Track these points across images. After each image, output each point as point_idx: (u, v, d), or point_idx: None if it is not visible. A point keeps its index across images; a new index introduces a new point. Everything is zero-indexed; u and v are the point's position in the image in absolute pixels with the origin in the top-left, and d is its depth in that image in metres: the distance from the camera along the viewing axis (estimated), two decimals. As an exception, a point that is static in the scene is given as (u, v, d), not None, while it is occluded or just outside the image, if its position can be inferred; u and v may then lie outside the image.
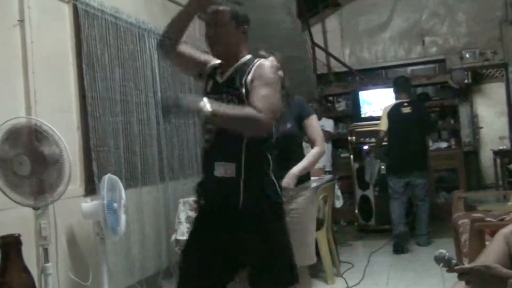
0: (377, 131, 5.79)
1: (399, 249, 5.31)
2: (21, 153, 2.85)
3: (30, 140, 2.89)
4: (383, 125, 5.69)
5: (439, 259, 1.89)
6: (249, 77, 2.20)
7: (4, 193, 2.81)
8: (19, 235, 2.84)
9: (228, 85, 2.25)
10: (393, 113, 5.63)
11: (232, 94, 2.21)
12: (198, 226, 2.33)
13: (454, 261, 1.84)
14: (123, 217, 3.41)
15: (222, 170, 2.17)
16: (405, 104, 5.66)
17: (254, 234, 2.17)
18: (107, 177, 3.32)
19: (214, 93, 2.24)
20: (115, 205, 3.30)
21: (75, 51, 3.69)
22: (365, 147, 6.59)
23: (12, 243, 2.82)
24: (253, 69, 2.22)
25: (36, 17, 3.32)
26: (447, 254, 1.88)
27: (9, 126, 2.84)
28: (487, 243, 2.73)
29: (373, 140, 6.37)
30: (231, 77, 2.26)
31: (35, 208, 2.97)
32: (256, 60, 2.26)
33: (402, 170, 5.56)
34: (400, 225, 5.44)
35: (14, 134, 2.85)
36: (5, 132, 2.82)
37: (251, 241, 2.19)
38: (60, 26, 3.61)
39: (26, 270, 2.87)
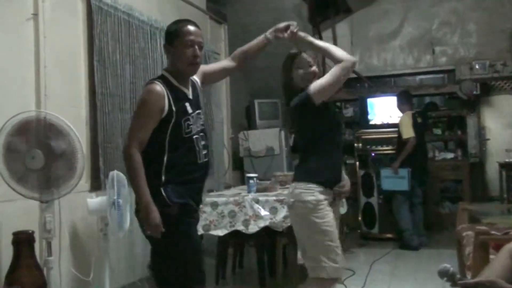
0: (407, 139, 5.85)
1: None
2: (33, 146, 2.86)
3: (44, 133, 2.90)
4: (412, 132, 5.84)
5: (442, 274, 1.88)
6: (199, 87, 2.62)
7: (9, 185, 2.81)
8: (32, 232, 2.83)
9: (197, 102, 2.58)
10: (414, 122, 5.90)
11: (200, 108, 2.60)
12: None
13: (458, 276, 1.84)
14: (128, 214, 3.41)
15: None
16: (417, 114, 6.03)
17: None
18: (114, 173, 3.33)
19: (193, 112, 2.53)
20: (121, 201, 3.30)
21: (87, 47, 3.71)
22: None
23: (25, 240, 2.81)
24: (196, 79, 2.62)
25: (50, 11, 3.34)
26: (451, 268, 1.88)
27: (20, 119, 2.86)
28: (491, 256, 2.72)
29: (379, 147, 6.44)
30: (194, 93, 2.57)
31: (42, 201, 2.98)
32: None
33: (424, 175, 6.05)
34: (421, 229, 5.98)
35: (26, 127, 2.86)
36: (17, 125, 2.83)
37: None
38: (73, 21, 3.63)
39: (38, 267, 2.86)
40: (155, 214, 2.33)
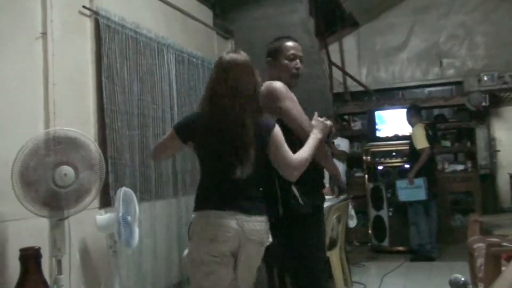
0: (422, 149, 5.95)
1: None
2: (61, 163, 2.90)
3: (69, 150, 2.96)
4: (426, 143, 5.95)
5: (454, 284, 1.87)
6: None
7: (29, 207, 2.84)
8: (39, 248, 2.83)
9: None
10: (426, 133, 6.02)
11: None
12: None
13: (470, 286, 1.82)
14: (136, 231, 3.41)
15: None
16: (427, 127, 6.16)
17: None
18: (122, 190, 3.34)
19: None
20: (129, 218, 3.31)
21: (95, 65, 3.74)
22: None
23: (32, 256, 2.81)
24: None
25: (58, 30, 3.38)
26: (462, 279, 1.86)
27: (38, 137, 2.89)
28: (503, 268, 2.69)
29: (388, 160, 6.47)
30: None
31: (62, 219, 3.02)
32: None
33: (435, 187, 6.18)
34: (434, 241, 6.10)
35: (46, 144, 2.90)
36: (34, 144, 2.86)
37: None
38: (81, 39, 3.67)
39: (45, 283, 2.85)
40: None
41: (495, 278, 2.40)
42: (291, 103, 2.60)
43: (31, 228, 3.04)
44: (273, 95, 2.58)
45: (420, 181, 5.91)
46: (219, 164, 2.33)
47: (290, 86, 2.67)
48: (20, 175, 2.78)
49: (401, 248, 6.40)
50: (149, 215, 4.16)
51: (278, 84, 2.61)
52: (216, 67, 2.38)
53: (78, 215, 3.13)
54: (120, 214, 3.22)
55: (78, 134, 3.01)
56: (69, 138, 2.97)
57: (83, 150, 3.00)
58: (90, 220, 3.36)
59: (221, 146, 2.29)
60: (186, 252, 3.89)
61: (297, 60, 2.70)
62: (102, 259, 3.61)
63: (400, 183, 6.10)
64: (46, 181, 2.86)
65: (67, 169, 2.91)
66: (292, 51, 2.70)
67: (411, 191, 5.99)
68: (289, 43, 2.73)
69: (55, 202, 2.92)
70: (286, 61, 2.69)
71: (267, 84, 2.62)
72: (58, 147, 2.93)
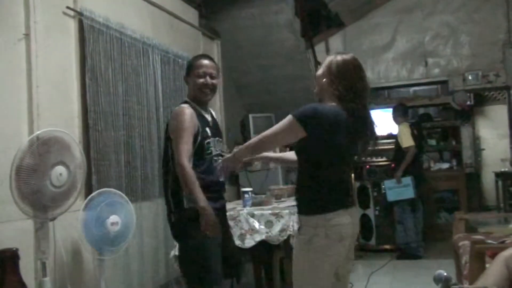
0: (408, 148, 5.98)
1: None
2: (58, 163, 2.97)
3: (59, 150, 3.02)
4: (412, 141, 5.99)
5: (437, 280, 1.90)
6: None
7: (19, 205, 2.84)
8: (16, 249, 2.83)
9: (217, 130, 3.05)
10: (411, 132, 6.07)
11: (221, 136, 3.09)
12: None
13: (453, 281, 1.85)
14: (121, 232, 3.39)
15: None
16: (412, 126, 6.20)
17: None
18: (104, 191, 3.35)
19: (214, 137, 2.96)
20: (113, 220, 3.30)
21: (79, 66, 3.71)
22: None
23: (9, 257, 2.81)
24: (215, 114, 3.13)
25: (42, 31, 3.35)
26: (444, 274, 1.89)
27: (38, 138, 2.94)
28: (487, 265, 2.72)
29: (374, 159, 6.51)
30: (213, 121, 3.04)
31: (51, 220, 3.06)
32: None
33: (422, 185, 6.23)
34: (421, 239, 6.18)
35: (46, 145, 2.95)
36: (38, 144, 2.89)
37: None
38: (65, 40, 3.64)
39: (22, 285, 2.85)
40: (214, 216, 2.72)
41: (479, 275, 2.43)
42: (182, 136, 2.80)
43: (14, 231, 3.01)
44: (174, 118, 2.88)
45: (407, 180, 5.94)
46: (346, 160, 2.42)
47: (201, 100, 2.97)
48: (17, 177, 2.80)
49: (387, 247, 6.44)
50: (135, 216, 4.13)
51: (184, 111, 2.86)
52: (348, 65, 2.38)
53: (61, 217, 3.11)
54: (105, 216, 3.21)
55: (65, 135, 3.06)
56: (58, 139, 3.01)
57: (71, 151, 3.08)
58: (74, 222, 3.33)
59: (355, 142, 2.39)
60: (173, 253, 3.89)
61: (207, 77, 2.94)
62: (88, 261, 3.59)
63: (388, 183, 6.12)
64: (45, 181, 2.89)
65: (62, 169, 3.01)
66: (203, 69, 2.95)
67: (399, 190, 6.02)
68: (201, 61, 2.98)
69: (42, 202, 2.91)
70: (196, 78, 2.94)
71: (177, 108, 2.93)
72: (54, 147, 2.98)
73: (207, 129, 2.93)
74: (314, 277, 2.26)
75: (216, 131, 3.04)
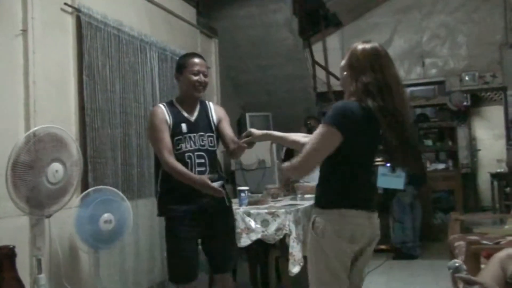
0: None
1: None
2: (54, 160, 2.98)
3: (56, 147, 3.03)
4: None
5: (451, 267, 2.19)
6: (215, 116, 3.09)
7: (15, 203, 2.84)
8: (13, 247, 2.82)
9: (204, 126, 3.03)
10: None
11: (209, 131, 3.04)
12: None
13: (464, 270, 2.05)
14: (116, 229, 3.38)
15: None
16: None
17: None
18: (100, 189, 3.35)
19: (192, 132, 2.97)
20: (108, 217, 3.30)
21: (76, 62, 3.70)
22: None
23: (6, 255, 2.80)
24: (213, 109, 3.13)
25: (39, 27, 3.34)
26: (456, 264, 2.12)
27: (34, 134, 2.92)
28: (482, 266, 2.73)
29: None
30: (202, 117, 3.05)
31: (47, 217, 3.05)
32: (206, 101, 3.16)
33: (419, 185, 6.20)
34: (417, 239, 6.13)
35: (41, 143, 2.94)
36: (35, 140, 2.89)
37: None
38: (63, 37, 3.63)
39: (19, 282, 2.85)
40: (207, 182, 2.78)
41: (475, 275, 2.44)
42: (155, 136, 2.94)
43: (9, 228, 3.01)
44: (148, 122, 3.10)
45: (401, 172, 5.97)
46: (370, 158, 2.30)
47: (193, 97, 3.04)
48: (13, 173, 2.80)
49: (383, 247, 6.43)
50: (132, 213, 4.13)
51: (152, 112, 3.02)
52: (376, 55, 2.19)
53: (57, 214, 3.11)
54: (100, 213, 3.21)
55: (62, 132, 3.06)
56: (55, 136, 3.01)
57: (68, 148, 3.08)
58: (70, 219, 3.33)
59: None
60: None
61: (200, 75, 3.01)
62: (83, 258, 3.58)
63: (382, 169, 6.14)
64: (41, 178, 2.88)
65: (58, 166, 3.00)
66: (197, 67, 3.01)
67: (390, 178, 6.01)
68: (194, 60, 3.04)
69: (38, 199, 2.91)
70: (190, 76, 3.00)
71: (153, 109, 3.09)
72: (50, 144, 2.98)
73: (183, 125, 2.97)
74: (324, 270, 2.15)
75: (202, 126, 3.03)
